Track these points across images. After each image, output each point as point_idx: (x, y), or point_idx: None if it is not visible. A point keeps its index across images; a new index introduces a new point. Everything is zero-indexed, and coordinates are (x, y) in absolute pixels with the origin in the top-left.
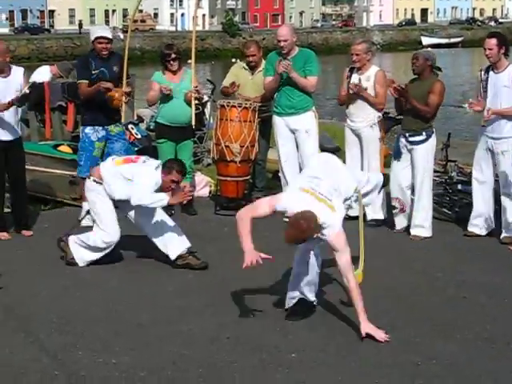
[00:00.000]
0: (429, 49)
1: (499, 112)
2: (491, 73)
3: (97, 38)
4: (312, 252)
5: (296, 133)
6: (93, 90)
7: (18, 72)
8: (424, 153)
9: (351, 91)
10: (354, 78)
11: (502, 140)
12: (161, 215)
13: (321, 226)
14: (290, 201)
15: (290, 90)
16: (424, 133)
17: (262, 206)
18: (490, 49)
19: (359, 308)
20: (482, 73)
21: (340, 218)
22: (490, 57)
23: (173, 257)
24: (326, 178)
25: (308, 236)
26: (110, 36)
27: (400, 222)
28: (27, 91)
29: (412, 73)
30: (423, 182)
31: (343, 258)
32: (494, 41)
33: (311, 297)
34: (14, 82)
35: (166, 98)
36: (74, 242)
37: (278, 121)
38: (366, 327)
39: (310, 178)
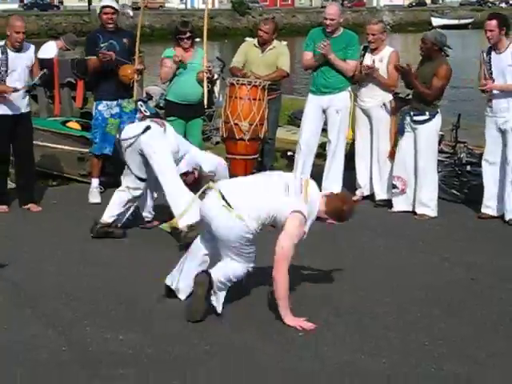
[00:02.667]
0: (437, 29)
1: (499, 88)
2: (493, 53)
3: (102, 8)
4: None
5: (326, 112)
6: (98, 63)
7: (30, 48)
8: (427, 133)
9: (364, 72)
10: (368, 58)
11: (510, 117)
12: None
13: None
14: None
15: (326, 69)
16: (427, 112)
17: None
18: (490, 30)
19: (281, 303)
20: (484, 54)
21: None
22: (491, 38)
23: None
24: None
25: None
26: (114, 5)
27: (398, 203)
28: (38, 82)
29: (420, 55)
30: (427, 162)
31: (285, 243)
32: (494, 22)
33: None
34: (26, 57)
35: (176, 75)
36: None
37: (311, 99)
38: (290, 321)
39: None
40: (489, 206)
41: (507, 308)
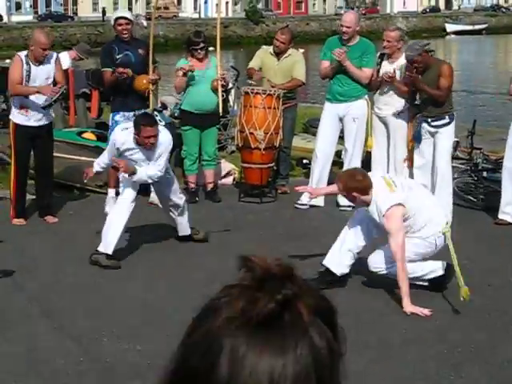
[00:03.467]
0: (446, 38)
1: None
2: None
3: (116, 20)
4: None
5: (343, 120)
6: (114, 78)
7: (51, 59)
8: (447, 136)
9: (385, 79)
10: (386, 66)
11: None
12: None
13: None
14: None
15: (342, 77)
16: (447, 116)
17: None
18: None
19: (402, 291)
20: None
21: (395, 200)
22: None
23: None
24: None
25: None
26: (129, 16)
27: None
28: (56, 98)
29: (418, 72)
30: (447, 165)
31: (392, 242)
32: None
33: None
34: (46, 70)
35: (191, 85)
36: None
37: (327, 107)
38: (408, 307)
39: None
40: (506, 212)
41: None
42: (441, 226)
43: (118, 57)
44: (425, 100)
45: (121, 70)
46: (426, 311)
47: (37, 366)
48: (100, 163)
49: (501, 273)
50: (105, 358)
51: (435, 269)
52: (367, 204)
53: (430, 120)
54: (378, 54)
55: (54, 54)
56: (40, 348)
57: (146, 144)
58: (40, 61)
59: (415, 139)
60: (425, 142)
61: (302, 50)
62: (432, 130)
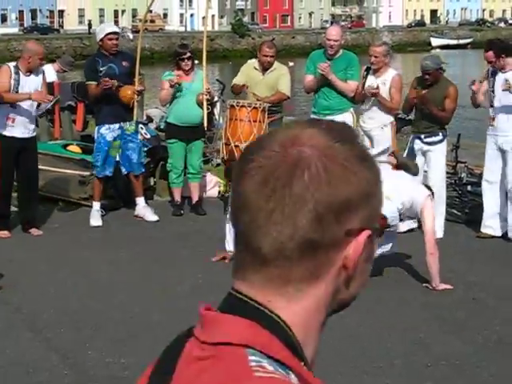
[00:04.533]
0: (430, 54)
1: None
2: (499, 73)
3: (107, 35)
4: None
5: None
6: (99, 91)
7: (41, 72)
8: (440, 153)
9: (368, 94)
10: (371, 80)
11: (510, 137)
12: None
13: None
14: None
15: (327, 91)
16: (440, 133)
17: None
18: (489, 61)
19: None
20: (490, 71)
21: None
22: (496, 66)
23: None
24: None
25: None
26: (118, 31)
27: (405, 223)
28: (50, 107)
29: (427, 85)
30: (441, 181)
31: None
32: (491, 54)
33: None
34: (35, 80)
35: (177, 97)
36: None
37: None
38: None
39: None
40: (488, 226)
41: (508, 328)
42: None
43: (101, 69)
44: (422, 115)
45: (106, 80)
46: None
47: (21, 379)
48: None
49: (485, 286)
50: (89, 370)
51: None
52: None
53: (423, 136)
54: (364, 68)
55: (43, 69)
56: (24, 361)
57: None
58: (30, 71)
59: (408, 156)
60: (417, 158)
61: (291, 64)
62: (425, 146)
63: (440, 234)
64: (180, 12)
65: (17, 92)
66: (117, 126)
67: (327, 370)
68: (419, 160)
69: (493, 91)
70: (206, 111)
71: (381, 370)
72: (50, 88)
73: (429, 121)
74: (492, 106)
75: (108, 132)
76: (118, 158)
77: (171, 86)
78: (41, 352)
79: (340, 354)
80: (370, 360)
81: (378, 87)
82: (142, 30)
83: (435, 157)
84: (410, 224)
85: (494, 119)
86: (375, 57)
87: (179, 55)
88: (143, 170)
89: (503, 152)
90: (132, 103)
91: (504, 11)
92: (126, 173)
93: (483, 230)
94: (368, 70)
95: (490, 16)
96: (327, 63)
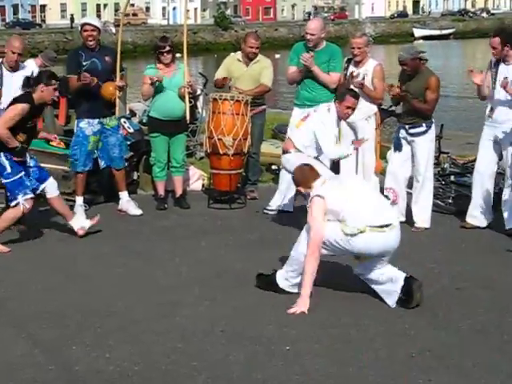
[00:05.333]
0: (406, 45)
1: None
2: (501, 64)
3: (82, 26)
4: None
5: None
6: (80, 85)
7: (25, 69)
8: (425, 144)
9: (353, 86)
10: (352, 69)
11: (510, 130)
12: None
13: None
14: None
15: (310, 83)
16: (424, 124)
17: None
18: (494, 47)
19: (305, 282)
20: (492, 63)
21: (319, 192)
22: (496, 55)
23: None
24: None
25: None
26: (94, 23)
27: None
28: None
29: (406, 74)
30: (426, 173)
31: (310, 231)
32: (497, 40)
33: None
34: (19, 77)
35: (159, 91)
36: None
37: (296, 113)
38: (302, 304)
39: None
40: (474, 216)
41: (492, 317)
42: (361, 224)
43: (84, 63)
44: (406, 106)
45: (86, 75)
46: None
47: (5, 376)
48: None
49: (469, 276)
50: (74, 366)
51: (396, 277)
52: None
53: (407, 127)
54: (346, 59)
55: (27, 66)
56: (8, 357)
57: None
58: (12, 67)
59: (394, 146)
60: (403, 149)
61: (278, 56)
62: (409, 137)
63: (427, 224)
64: (162, 5)
65: (1, 87)
66: (96, 121)
67: (310, 361)
68: (405, 150)
69: (494, 82)
70: (187, 105)
71: (365, 362)
72: None
73: (412, 113)
74: (492, 97)
75: (87, 126)
76: (97, 153)
77: (151, 85)
78: (25, 348)
79: (324, 346)
80: (354, 352)
81: (363, 78)
82: (122, 23)
83: (420, 148)
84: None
85: (493, 110)
86: (358, 48)
87: (159, 48)
88: (125, 165)
89: (499, 144)
90: (114, 99)
91: (486, 1)
92: (104, 166)
93: (468, 219)
94: (349, 61)
95: (473, 6)
96: (310, 54)
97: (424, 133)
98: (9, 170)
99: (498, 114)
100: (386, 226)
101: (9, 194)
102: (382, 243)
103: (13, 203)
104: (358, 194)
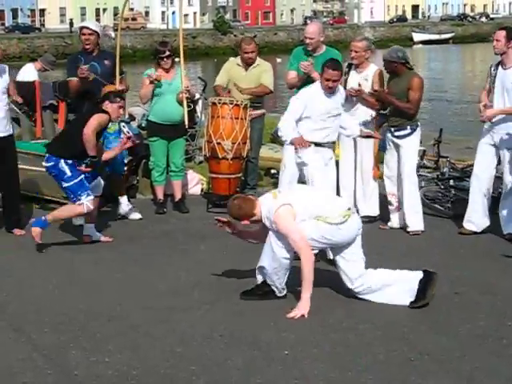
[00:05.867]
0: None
1: (497, 113)
2: (500, 68)
3: (81, 30)
4: (270, 241)
5: None
6: (78, 82)
7: (5, 70)
8: (409, 147)
9: (350, 94)
10: (353, 76)
11: (509, 136)
12: None
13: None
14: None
15: None
16: (408, 127)
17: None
18: (497, 40)
19: (305, 285)
20: (492, 68)
21: (279, 203)
22: (497, 48)
23: None
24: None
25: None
26: (92, 27)
27: (395, 220)
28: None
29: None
30: (410, 176)
31: (290, 240)
32: (502, 32)
33: (278, 283)
34: (2, 80)
35: (158, 95)
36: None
37: None
38: (302, 307)
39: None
40: (471, 221)
41: (491, 322)
42: (341, 210)
43: (83, 67)
44: (392, 111)
45: (83, 69)
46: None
47: (4, 379)
48: None
49: (468, 281)
50: (73, 370)
51: (409, 278)
52: (262, 222)
53: (392, 130)
54: (346, 64)
55: (5, 67)
56: (8, 361)
57: None
58: None
59: (381, 149)
60: (389, 152)
61: (279, 60)
62: (395, 140)
63: (421, 226)
64: (162, 10)
65: None
66: None
67: (309, 366)
68: (390, 153)
69: (493, 87)
70: (186, 110)
71: (364, 366)
72: (32, 87)
73: (397, 112)
74: (492, 102)
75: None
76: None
77: (151, 82)
78: (25, 352)
79: (323, 350)
80: (352, 356)
81: (359, 85)
82: (120, 27)
83: (404, 151)
84: (400, 221)
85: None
86: (355, 51)
87: (159, 53)
88: (124, 169)
89: (497, 148)
90: None
91: (485, 6)
92: (108, 173)
93: (465, 225)
94: (350, 66)
95: (472, 11)
96: (309, 61)
97: (408, 135)
98: (69, 173)
99: (496, 119)
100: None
101: (72, 197)
102: (357, 225)
103: (77, 203)
104: (312, 190)
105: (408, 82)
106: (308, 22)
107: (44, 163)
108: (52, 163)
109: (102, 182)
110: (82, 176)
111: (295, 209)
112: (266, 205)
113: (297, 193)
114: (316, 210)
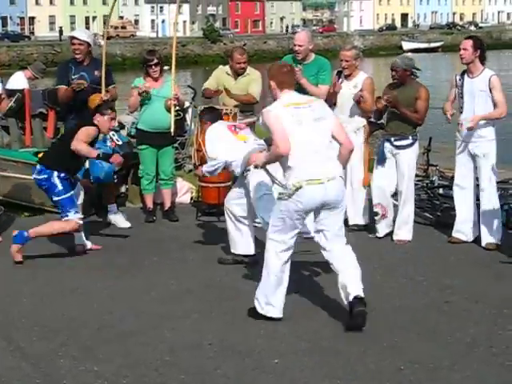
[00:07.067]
0: (404, 54)
1: (482, 118)
2: (466, 78)
3: (70, 40)
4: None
5: None
6: (69, 92)
7: None
8: (410, 157)
9: (355, 100)
10: (343, 84)
11: (482, 142)
12: None
13: None
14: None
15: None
16: (410, 137)
17: None
18: (464, 49)
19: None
20: (457, 78)
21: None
22: (464, 57)
23: None
24: None
25: None
26: (82, 37)
27: (382, 228)
28: (14, 105)
29: (394, 82)
30: (408, 187)
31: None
32: (469, 42)
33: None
34: None
35: (146, 103)
36: None
37: None
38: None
39: None
40: (460, 231)
41: (481, 330)
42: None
43: (73, 77)
44: (392, 117)
45: (77, 81)
46: None
47: None
48: None
49: (457, 290)
50: (62, 379)
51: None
52: None
53: (393, 139)
54: (336, 72)
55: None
56: None
57: None
58: None
59: (378, 159)
60: (386, 161)
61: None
62: (394, 150)
63: (409, 236)
64: (151, 18)
65: None
66: None
67: (299, 374)
68: (387, 163)
69: (461, 97)
70: (173, 117)
71: (354, 375)
72: (21, 95)
73: (400, 121)
74: (461, 111)
75: None
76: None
77: (139, 94)
78: (13, 361)
79: (313, 358)
80: (343, 364)
81: (361, 91)
82: (105, 35)
83: (403, 161)
84: (386, 229)
85: (462, 125)
86: (346, 61)
87: (147, 62)
88: (113, 178)
89: (473, 157)
90: None
91: (474, 14)
92: (93, 180)
93: (454, 234)
94: (339, 73)
95: (461, 19)
96: (298, 67)
97: (409, 146)
98: (60, 187)
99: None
100: None
101: (60, 211)
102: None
103: (64, 219)
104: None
105: (416, 91)
106: (294, 29)
107: (35, 175)
108: (45, 176)
109: (82, 189)
110: (72, 192)
111: None
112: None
113: None
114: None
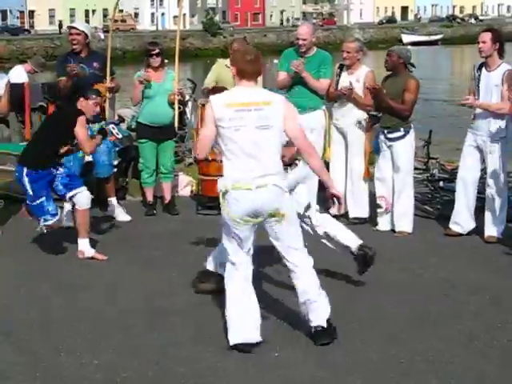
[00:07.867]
0: (405, 46)
1: (483, 105)
2: (483, 70)
3: (69, 30)
4: None
5: None
6: (69, 82)
7: None
8: (403, 149)
9: (341, 93)
10: (344, 77)
11: (492, 140)
12: None
13: None
14: None
15: (300, 89)
16: (402, 129)
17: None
18: (483, 42)
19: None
20: (475, 70)
21: None
22: (482, 50)
23: None
24: None
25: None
26: (79, 27)
27: (384, 223)
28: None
29: (385, 69)
30: (405, 178)
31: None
32: (488, 34)
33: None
34: None
35: (147, 97)
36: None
37: None
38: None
39: None
40: (457, 223)
41: (480, 323)
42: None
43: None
44: (384, 110)
45: (72, 65)
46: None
47: None
48: None
49: (457, 282)
50: (62, 372)
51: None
52: None
53: (386, 132)
54: (337, 65)
55: (16, 69)
56: None
57: None
58: None
59: (374, 150)
60: (382, 154)
61: (276, 61)
62: (388, 142)
63: (409, 228)
64: (151, 11)
65: None
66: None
67: (298, 367)
68: (384, 156)
69: (478, 90)
70: (177, 112)
71: (354, 367)
72: (21, 89)
73: (390, 114)
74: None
75: None
76: (88, 159)
77: (141, 83)
78: (12, 355)
79: (312, 350)
80: (343, 357)
81: (350, 83)
82: (111, 29)
83: (398, 153)
84: (387, 225)
85: (475, 117)
86: (347, 52)
87: (148, 51)
88: (113, 171)
89: (481, 151)
90: (104, 100)
91: (474, 7)
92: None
93: (451, 226)
94: (341, 67)
95: (461, 12)
96: (301, 60)
97: (402, 137)
98: (30, 193)
99: (480, 122)
100: None
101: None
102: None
103: (42, 224)
104: None
105: (404, 83)
106: (297, 23)
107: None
108: (17, 174)
109: (89, 194)
110: (43, 199)
111: None
112: None
113: None
114: None
